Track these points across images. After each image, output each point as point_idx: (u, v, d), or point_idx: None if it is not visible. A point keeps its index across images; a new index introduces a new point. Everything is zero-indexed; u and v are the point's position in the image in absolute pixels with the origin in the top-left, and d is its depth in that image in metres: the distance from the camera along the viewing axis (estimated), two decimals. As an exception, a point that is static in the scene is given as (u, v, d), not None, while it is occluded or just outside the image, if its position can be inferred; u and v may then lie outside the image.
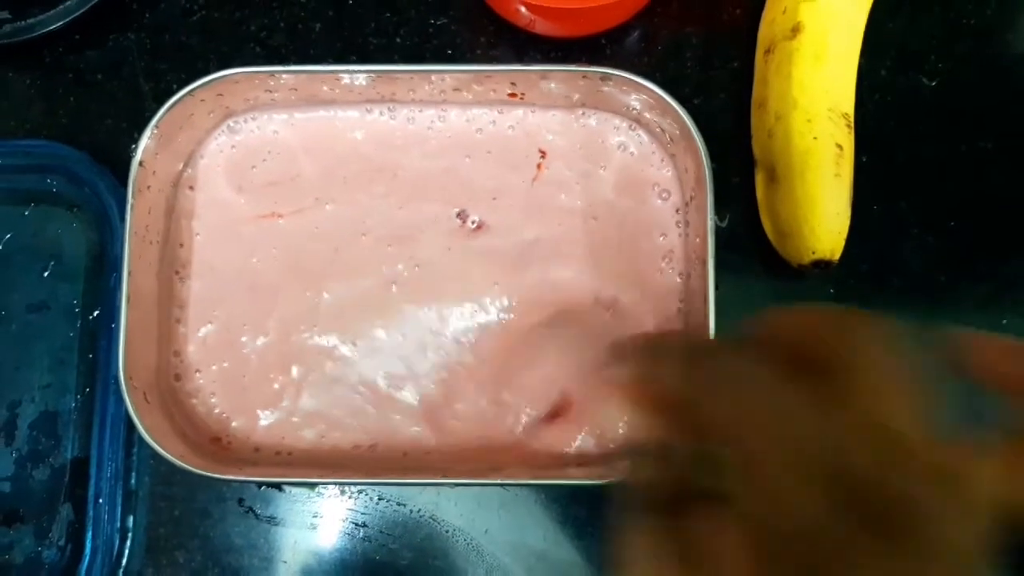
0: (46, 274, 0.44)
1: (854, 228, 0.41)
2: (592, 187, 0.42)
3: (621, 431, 0.40)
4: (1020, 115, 0.46)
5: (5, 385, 0.43)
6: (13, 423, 0.43)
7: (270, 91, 0.41)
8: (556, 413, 0.41)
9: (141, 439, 0.38)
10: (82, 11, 0.44)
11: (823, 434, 0.21)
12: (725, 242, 0.42)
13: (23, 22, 0.44)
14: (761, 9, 0.45)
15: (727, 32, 0.46)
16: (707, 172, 0.38)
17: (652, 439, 0.25)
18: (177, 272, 0.42)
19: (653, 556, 0.23)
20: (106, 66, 0.46)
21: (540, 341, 0.41)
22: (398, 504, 0.43)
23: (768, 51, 0.43)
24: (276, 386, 0.41)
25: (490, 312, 0.41)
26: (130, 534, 0.42)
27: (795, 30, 0.42)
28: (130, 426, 0.41)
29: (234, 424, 0.41)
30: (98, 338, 0.43)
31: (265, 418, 0.41)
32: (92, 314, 0.44)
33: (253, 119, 0.43)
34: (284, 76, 0.40)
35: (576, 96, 0.42)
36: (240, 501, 0.43)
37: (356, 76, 0.40)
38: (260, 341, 0.41)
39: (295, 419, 0.41)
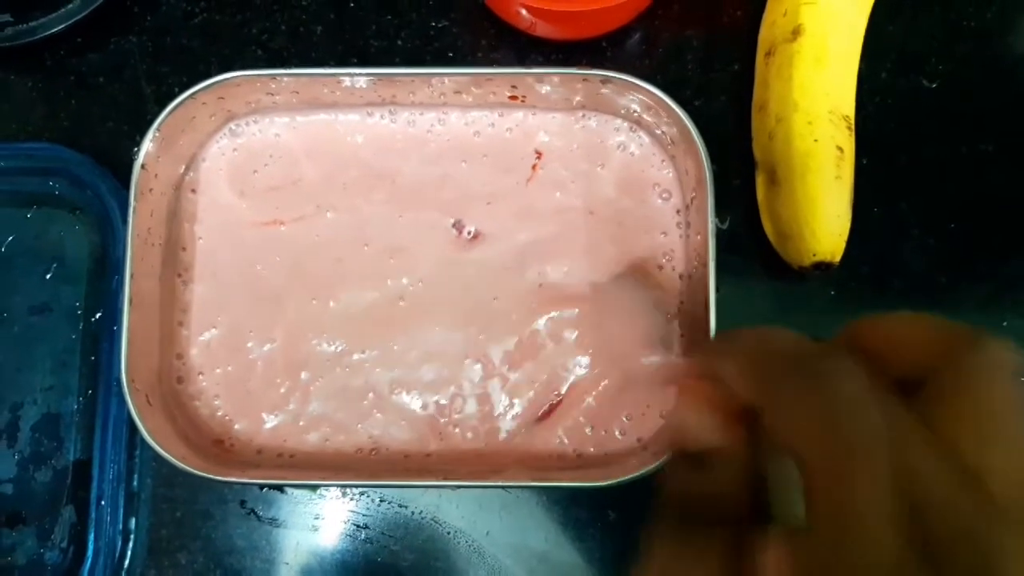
0: (48, 276, 0.44)
1: (855, 230, 0.41)
2: (590, 185, 0.42)
3: (619, 435, 0.40)
4: (1020, 117, 0.46)
5: (7, 387, 0.43)
6: (15, 425, 0.43)
7: (272, 94, 0.41)
8: (550, 411, 0.41)
9: (143, 441, 0.38)
10: (84, 14, 0.45)
11: (919, 465, 0.19)
12: (726, 244, 0.42)
13: (25, 25, 0.45)
14: (761, 11, 0.45)
15: (728, 34, 0.46)
16: (708, 174, 0.38)
17: (708, 445, 0.22)
18: (179, 275, 0.42)
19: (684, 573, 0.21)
20: (108, 69, 0.47)
21: (539, 341, 0.41)
22: (400, 506, 0.43)
23: (769, 53, 0.43)
24: (282, 390, 0.41)
25: (489, 318, 0.41)
26: (132, 536, 0.43)
27: (796, 32, 0.42)
28: (132, 428, 0.41)
29: (236, 427, 0.41)
30: (100, 340, 0.43)
31: (268, 421, 0.41)
32: (94, 316, 0.44)
33: (255, 122, 0.43)
34: (285, 79, 0.40)
35: (576, 98, 0.42)
36: (242, 503, 0.43)
37: (357, 79, 0.40)
38: (267, 347, 0.41)
39: (300, 423, 0.41)
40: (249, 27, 0.47)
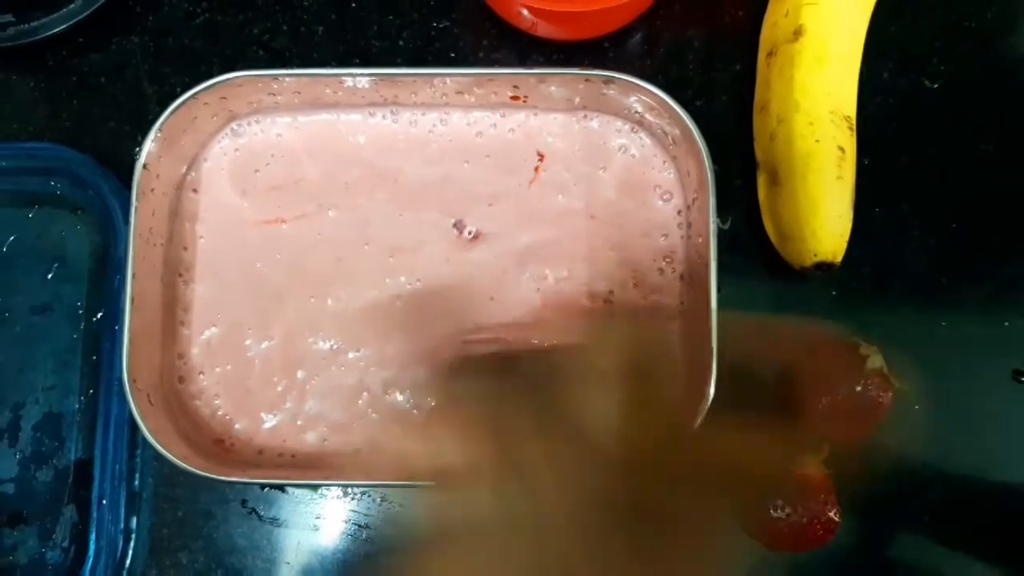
0: (50, 276, 0.44)
1: (856, 230, 0.41)
2: (592, 188, 0.42)
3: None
4: (1021, 117, 0.46)
5: (9, 387, 0.43)
6: (17, 425, 0.43)
7: (273, 94, 0.41)
8: None
9: (144, 441, 0.38)
10: (85, 14, 0.45)
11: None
12: (727, 244, 0.42)
13: (27, 25, 0.45)
14: (763, 12, 0.45)
15: (729, 35, 0.46)
16: (709, 174, 0.38)
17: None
18: (181, 275, 0.42)
19: None
20: (109, 69, 0.47)
21: (539, 343, 0.41)
22: (400, 505, 0.43)
23: (770, 54, 0.43)
24: (279, 389, 0.41)
25: (488, 321, 0.41)
26: (133, 535, 0.43)
27: (797, 33, 0.42)
28: (133, 428, 0.41)
29: (237, 426, 0.41)
30: (102, 340, 0.43)
31: (268, 420, 0.41)
32: (96, 316, 0.44)
33: (257, 122, 0.43)
34: (287, 79, 0.40)
35: (578, 99, 0.42)
36: (243, 502, 0.43)
37: (359, 79, 0.40)
38: (264, 345, 0.42)
39: (298, 422, 0.41)
40: (251, 27, 0.47)
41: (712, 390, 0.37)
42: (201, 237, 0.42)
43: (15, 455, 0.43)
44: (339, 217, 0.43)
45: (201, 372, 0.41)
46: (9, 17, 0.44)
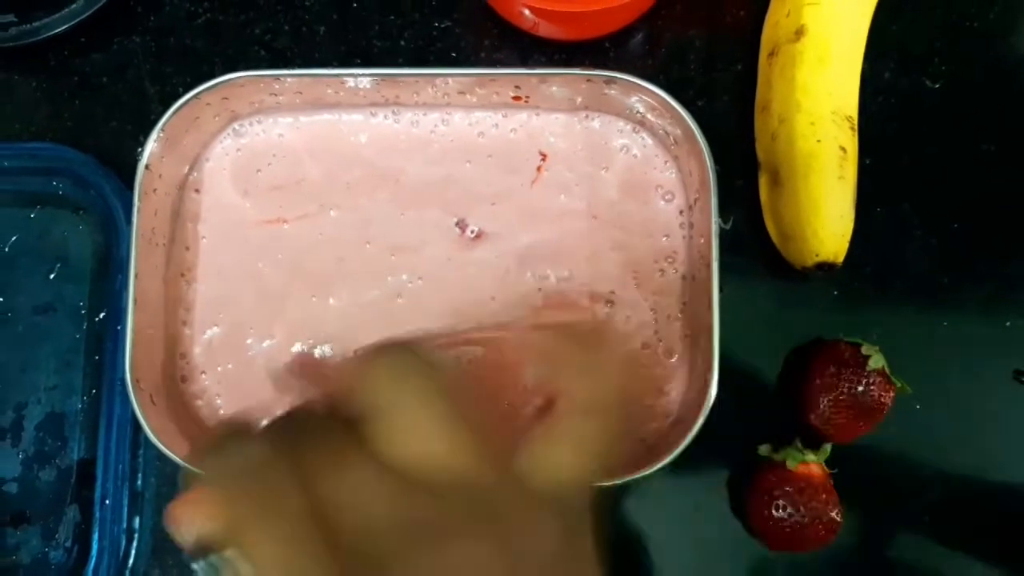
0: (52, 276, 0.44)
1: (857, 230, 0.41)
2: (594, 188, 0.42)
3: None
4: (1022, 117, 0.46)
5: (11, 387, 0.44)
6: (19, 424, 0.43)
7: (275, 94, 0.41)
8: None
9: (147, 440, 0.38)
10: (87, 14, 0.45)
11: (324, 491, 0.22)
12: (729, 244, 0.42)
13: (28, 25, 0.45)
14: (764, 12, 0.45)
15: (731, 35, 0.46)
16: (711, 175, 0.38)
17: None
18: (183, 275, 0.42)
19: None
20: (111, 69, 0.47)
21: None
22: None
23: (772, 54, 0.43)
24: (280, 387, 0.41)
25: (490, 320, 0.41)
26: (136, 535, 0.43)
27: (799, 33, 0.42)
28: (136, 428, 0.41)
29: (240, 426, 0.41)
30: (104, 340, 0.43)
31: (269, 420, 0.41)
32: (98, 316, 0.44)
33: (258, 122, 0.43)
34: (289, 79, 0.40)
35: (579, 99, 0.42)
36: (245, 502, 0.43)
37: (360, 79, 0.40)
38: (266, 344, 0.42)
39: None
40: (252, 27, 0.47)
41: (714, 391, 0.37)
42: (203, 237, 0.42)
43: (18, 455, 0.43)
44: (341, 217, 0.43)
45: (203, 372, 0.41)
46: (11, 17, 0.44)
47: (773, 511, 0.39)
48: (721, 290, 0.38)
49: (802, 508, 0.39)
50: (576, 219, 0.42)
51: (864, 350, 0.40)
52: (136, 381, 0.37)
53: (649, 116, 0.42)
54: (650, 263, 0.42)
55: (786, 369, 0.44)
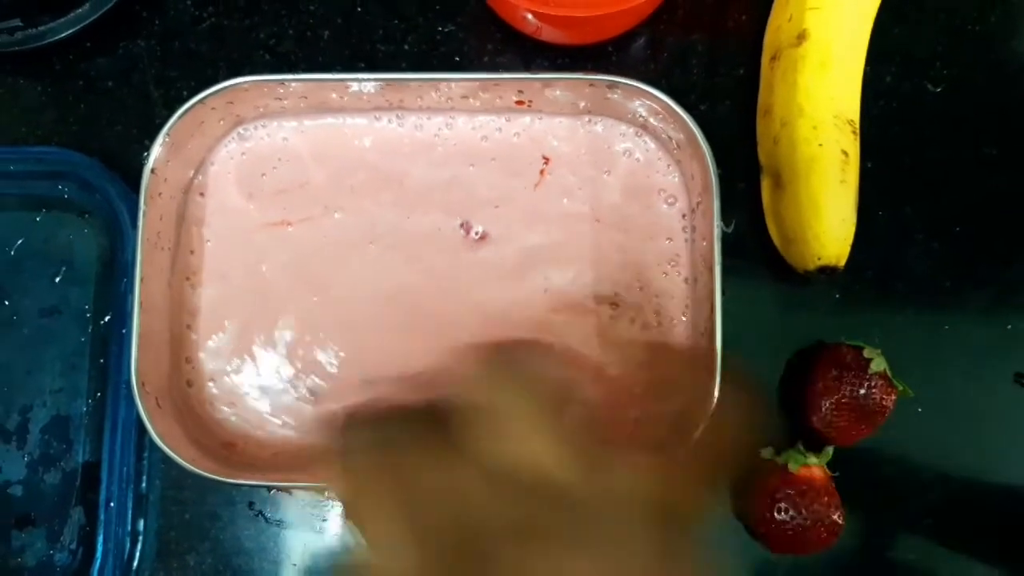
0: (58, 279, 0.45)
1: (859, 234, 0.41)
2: (597, 192, 0.43)
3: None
4: (1024, 121, 0.46)
5: (17, 389, 0.44)
6: (25, 427, 0.43)
7: (280, 99, 0.42)
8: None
9: (152, 443, 0.38)
10: (93, 18, 0.45)
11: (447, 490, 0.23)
12: (731, 248, 0.42)
13: (34, 29, 0.45)
14: (766, 16, 0.45)
15: (733, 39, 0.46)
16: (713, 178, 0.39)
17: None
18: (188, 279, 0.42)
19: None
20: (116, 73, 0.47)
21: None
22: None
23: (774, 58, 0.43)
24: (286, 392, 0.41)
25: (494, 321, 0.42)
26: (141, 537, 0.43)
27: (801, 37, 0.42)
28: (141, 431, 0.41)
29: (245, 429, 0.41)
30: (109, 343, 0.43)
31: (275, 423, 0.41)
32: (103, 319, 0.44)
33: (263, 126, 0.43)
34: (294, 84, 0.40)
35: (583, 103, 0.42)
36: (250, 505, 0.43)
37: (365, 84, 0.41)
38: (271, 348, 0.42)
39: (306, 425, 0.41)
40: (257, 32, 0.47)
41: (717, 392, 0.37)
42: (208, 241, 0.43)
43: (23, 457, 0.43)
44: (345, 220, 0.43)
45: (209, 376, 0.42)
46: (17, 22, 0.45)
47: (775, 513, 0.39)
48: (723, 293, 0.38)
49: (804, 511, 0.39)
50: (579, 222, 0.42)
51: (866, 353, 0.40)
52: (141, 384, 0.38)
53: (652, 120, 0.42)
54: (653, 266, 0.42)
55: (788, 372, 0.44)
